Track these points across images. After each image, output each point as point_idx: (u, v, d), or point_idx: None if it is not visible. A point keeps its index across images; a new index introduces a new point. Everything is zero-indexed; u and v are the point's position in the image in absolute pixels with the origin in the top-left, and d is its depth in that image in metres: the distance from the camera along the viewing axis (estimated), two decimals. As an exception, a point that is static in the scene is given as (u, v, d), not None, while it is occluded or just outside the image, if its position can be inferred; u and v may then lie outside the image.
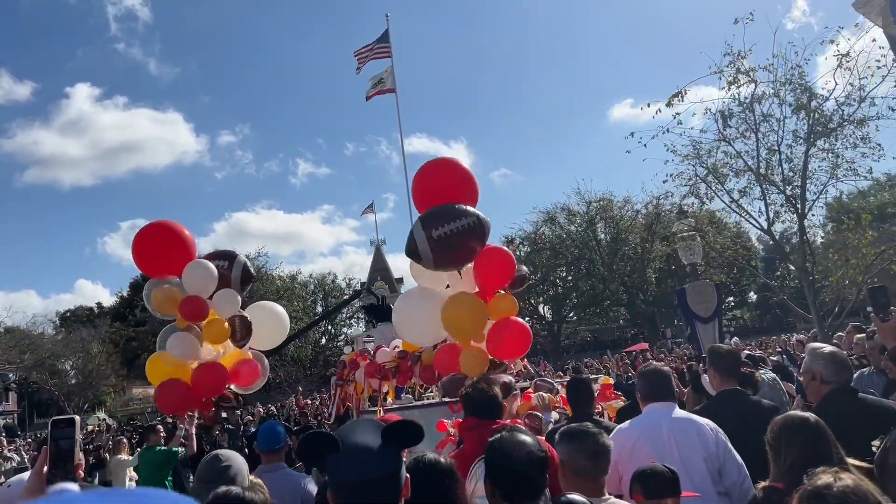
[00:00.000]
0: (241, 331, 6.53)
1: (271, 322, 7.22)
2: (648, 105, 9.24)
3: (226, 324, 6.56)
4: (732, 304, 70.01)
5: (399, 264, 69.44)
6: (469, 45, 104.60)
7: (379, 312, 14.61)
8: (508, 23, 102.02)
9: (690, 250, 11.96)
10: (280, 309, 7.61)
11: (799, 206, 8.91)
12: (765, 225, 9.29)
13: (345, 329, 44.53)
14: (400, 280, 58.65)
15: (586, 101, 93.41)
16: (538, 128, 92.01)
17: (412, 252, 5.66)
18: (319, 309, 50.57)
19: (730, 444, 3.69)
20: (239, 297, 6.64)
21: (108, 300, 63.04)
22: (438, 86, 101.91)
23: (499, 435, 2.78)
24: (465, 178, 6.00)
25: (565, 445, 2.97)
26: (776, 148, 8.88)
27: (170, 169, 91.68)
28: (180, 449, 7.68)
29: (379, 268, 68.05)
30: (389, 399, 9.38)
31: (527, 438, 2.68)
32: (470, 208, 5.68)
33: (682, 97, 8.99)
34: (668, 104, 9.10)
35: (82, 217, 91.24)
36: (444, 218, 5.55)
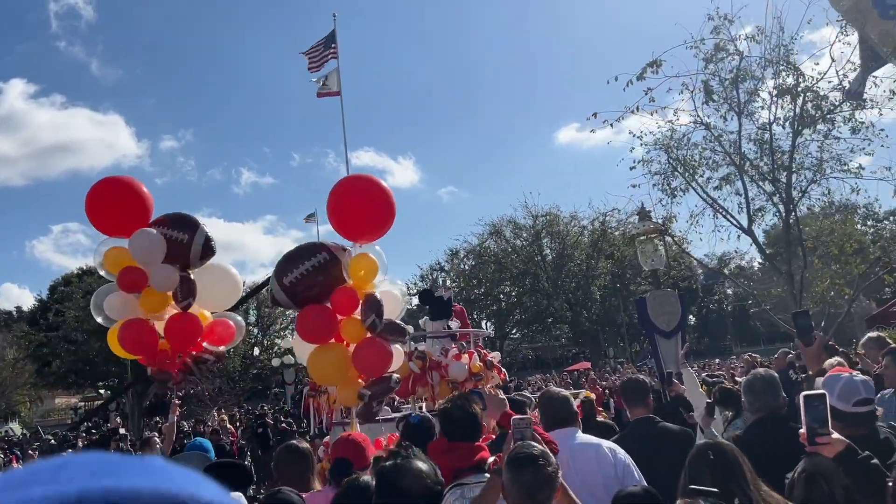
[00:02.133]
0: (182, 291, 6.14)
1: (220, 282, 6.67)
2: (616, 78, 7.83)
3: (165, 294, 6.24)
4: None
5: (339, 275, 67.46)
6: (419, 62, 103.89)
7: None
8: (459, 43, 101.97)
9: (653, 255, 10.61)
10: (230, 267, 7.03)
11: (785, 197, 7.62)
12: (745, 223, 7.97)
13: (278, 340, 42.04)
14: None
15: (533, 123, 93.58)
16: (486, 147, 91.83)
17: (274, 302, 5.74)
18: (252, 317, 48.14)
19: (631, 466, 3.78)
20: (177, 276, 6.19)
21: (30, 304, 59.06)
22: (388, 101, 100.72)
23: (391, 462, 2.66)
24: (379, 195, 5.79)
25: (505, 473, 2.84)
26: (765, 130, 7.62)
27: (107, 172, 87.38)
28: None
29: (319, 279, 66.28)
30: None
31: (423, 466, 2.59)
32: (323, 244, 5.64)
33: (658, 68, 7.63)
34: (640, 77, 7.72)
35: (12, 218, 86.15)
36: (292, 262, 5.48)
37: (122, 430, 16.48)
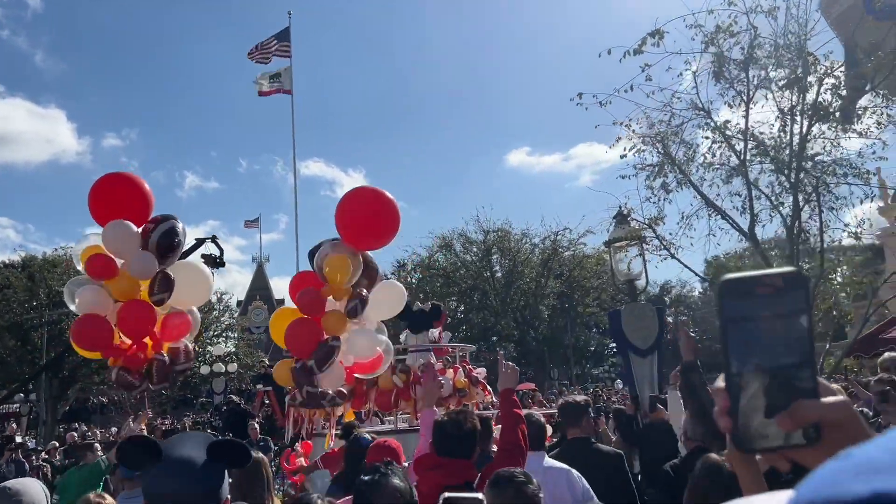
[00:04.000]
0: (160, 285, 5.98)
1: (193, 280, 6.51)
2: (609, 52, 6.73)
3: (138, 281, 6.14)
4: (614, 349, 70.65)
5: (282, 286, 65.63)
6: (373, 77, 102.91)
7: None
8: (413, 60, 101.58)
9: (630, 264, 9.55)
10: (201, 265, 7.03)
11: (793, 199, 6.63)
12: (745, 225, 6.97)
13: (209, 347, 39.74)
14: (281, 301, 54.78)
15: (485, 144, 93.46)
16: (437, 166, 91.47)
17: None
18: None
19: (591, 492, 4.00)
20: (156, 266, 6.08)
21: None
22: (340, 113, 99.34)
23: (370, 477, 2.71)
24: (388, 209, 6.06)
25: (487, 492, 2.81)
26: (781, 119, 6.64)
27: (45, 167, 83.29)
28: (103, 460, 7.55)
29: (259, 287, 63.67)
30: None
31: (399, 484, 2.60)
32: None
33: (660, 40, 6.56)
34: (639, 50, 6.64)
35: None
36: None
37: (18, 438, 14.53)
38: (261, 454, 4.54)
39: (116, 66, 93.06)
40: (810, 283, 0.86)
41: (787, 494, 0.56)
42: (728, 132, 6.92)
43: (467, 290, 41.47)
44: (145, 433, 15.83)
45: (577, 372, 47.88)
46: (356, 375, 7.82)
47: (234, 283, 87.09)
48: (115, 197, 6.25)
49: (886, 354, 6.84)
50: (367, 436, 5.15)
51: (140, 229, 6.15)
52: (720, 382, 0.74)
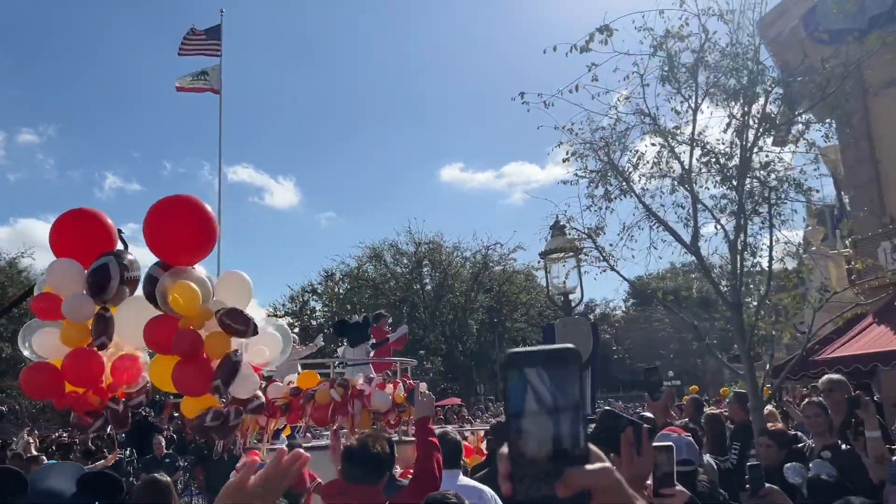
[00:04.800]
0: (96, 330, 5.65)
1: (144, 318, 5.89)
2: (555, 48, 6.33)
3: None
4: (540, 365, 71.07)
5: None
6: (307, 84, 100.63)
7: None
8: (349, 70, 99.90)
9: (566, 277, 9.14)
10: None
11: (737, 213, 6.36)
12: (688, 238, 6.65)
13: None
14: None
15: (418, 159, 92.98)
16: (369, 177, 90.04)
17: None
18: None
19: None
20: (92, 307, 5.74)
21: None
22: (271, 119, 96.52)
23: None
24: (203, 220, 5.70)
25: None
26: (730, 127, 6.36)
27: (-51, 161, 77.72)
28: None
29: (179, 292, 61.44)
30: (283, 436, 9.08)
31: None
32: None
33: (609, 37, 6.20)
34: (585, 49, 6.26)
35: None
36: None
37: None
38: (165, 477, 4.41)
39: (34, 59, 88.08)
40: (581, 359, 0.96)
41: None
42: (677, 139, 6.61)
43: (396, 302, 40.80)
44: (34, 447, 14.44)
45: (499, 379, 47.89)
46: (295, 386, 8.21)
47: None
48: (73, 236, 5.93)
49: (825, 377, 6.63)
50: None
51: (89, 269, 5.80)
52: (504, 448, 0.79)
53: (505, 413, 0.80)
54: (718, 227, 6.76)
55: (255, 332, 5.52)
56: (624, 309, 75.32)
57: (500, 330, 43.78)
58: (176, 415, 17.88)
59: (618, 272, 7.12)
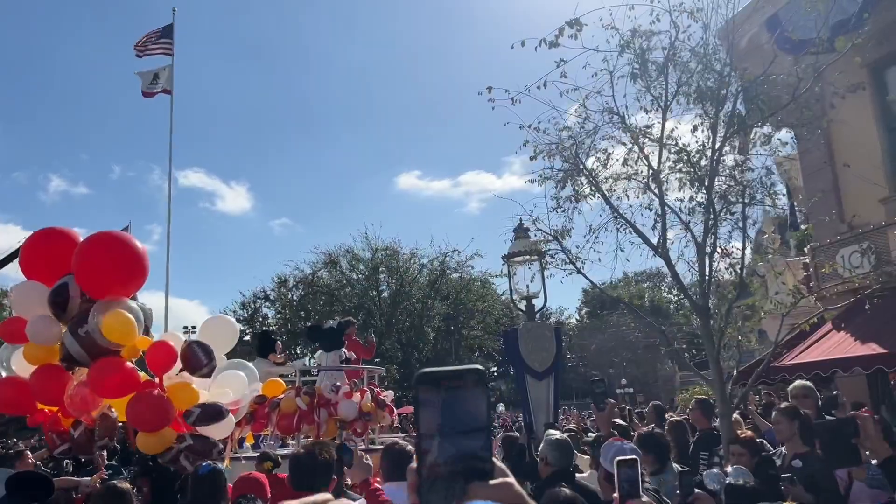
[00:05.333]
0: (62, 352, 5.57)
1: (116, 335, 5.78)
2: (523, 43, 6.10)
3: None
4: (496, 374, 71.12)
5: (152, 300, 61.50)
6: (261, 88, 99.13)
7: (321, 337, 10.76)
8: (304, 75, 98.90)
9: (529, 280, 8.94)
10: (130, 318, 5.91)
11: (705, 218, 6.20)
12: (656, 240, 6.47)
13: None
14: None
15: (374, 166, 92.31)
16: (325, 184, 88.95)
17: (67, 358, 5.64)
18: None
19: None
20: (58, 329, 5.62)
21: None
22: (224, 122, 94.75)
23: None
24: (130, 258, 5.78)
25: None
26: (701, 127, 6.21)
27: None
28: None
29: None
30: (247, 444, 9.09)
31: None
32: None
33: (578, 31, 5.99)
34: (553, 44, 6.04)
35: None
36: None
37: None
38: (125, 484, 4.44)
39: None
40: (488, 380, 0.87)
41: None
42: (648, 136, 6.43)
43: (352, 309, 40.14)
44: (-34, 460, 13.59)
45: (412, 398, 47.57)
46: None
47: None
48: (43, 256, 5.91)
49: (797, 382, 6.52)
50: (210, 463, 5.04)
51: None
52: (413, 463, 0.82)
53: (414, 430, 0.83)
54: (685, 230, 6.59)
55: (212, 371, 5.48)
56: (578, 317, 75.84)
57: (456, 337, 43.53)
58: (120, 424, 17.12)
59: (584, 275, 6.91)
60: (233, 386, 6.24)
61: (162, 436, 5.68)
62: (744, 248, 6.62)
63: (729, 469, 5.13)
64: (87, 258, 5.58)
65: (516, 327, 8.80)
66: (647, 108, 6.46)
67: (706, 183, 6.22)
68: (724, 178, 6.48)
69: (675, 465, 6.37)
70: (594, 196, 6.75)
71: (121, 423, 17.51)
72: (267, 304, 45.05)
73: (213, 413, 5.63)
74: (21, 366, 6.02)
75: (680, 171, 6.42)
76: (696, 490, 4.17)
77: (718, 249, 6.58)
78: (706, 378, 6.64)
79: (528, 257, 8.77)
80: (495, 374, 70.99)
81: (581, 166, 6.78)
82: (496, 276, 46.06)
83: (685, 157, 6.35)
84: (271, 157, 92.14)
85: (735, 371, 6.61)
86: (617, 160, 6.70)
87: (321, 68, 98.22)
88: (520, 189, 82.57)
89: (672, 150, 6.50)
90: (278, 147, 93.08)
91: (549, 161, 6.78)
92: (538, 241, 7.24)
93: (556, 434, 5.02)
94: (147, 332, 6.11)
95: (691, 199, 6.73)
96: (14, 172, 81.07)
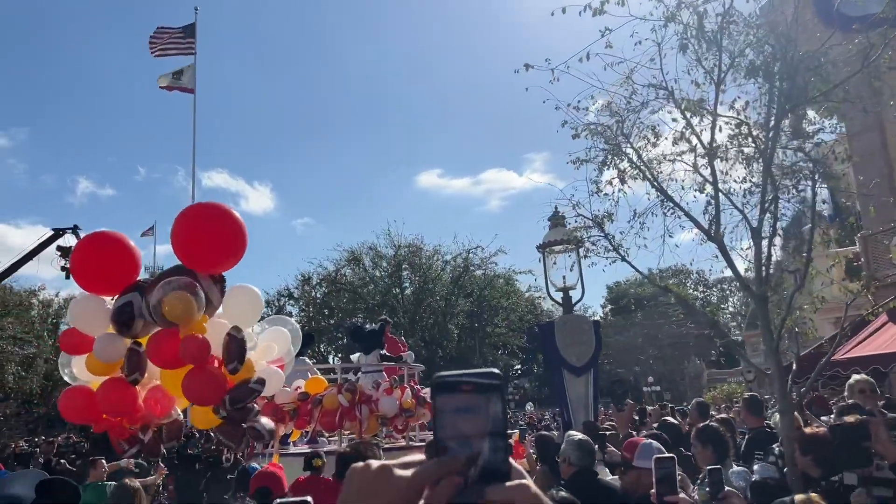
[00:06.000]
0: (129, 365, 5.53)
1: None
2: (564, 10, 5.66)
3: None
4: (519, 371, 70.51)
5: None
6: (282, 88, 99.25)
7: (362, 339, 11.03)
8: (325, 76, 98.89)
9: (565, 271, 8.50)
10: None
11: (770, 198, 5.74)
12: (706, 223, 6.01)
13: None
14: (175, 314, 51.40)
15: (395, 165, 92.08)
16: (346, 184, 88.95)
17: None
18: (63, 328, 41.88)
19: None
20: (123, 346, 5.63)
21: None
22: (247, 124, 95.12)
23: None
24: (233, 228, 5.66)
25: None
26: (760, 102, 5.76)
27: (-84, 164, 75.38)
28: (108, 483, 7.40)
29: (152, 298, 59.80)
30: (291, 441, 9.35)
31: None
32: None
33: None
34: (599, 11, 5.60)
35: None
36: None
37: None
38: (135, 482, 4.51)
39: (5, 59, 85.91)
40: (506, 384, 0.92)
41: None
42: (705, 110, 5.95)
43: (375, 306, 39.92)
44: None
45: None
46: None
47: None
48: (95, 262, 5.88)
49: (858, 377, 6.05)
50: (256, 465, 5.49)
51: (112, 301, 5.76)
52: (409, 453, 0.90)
53: (433, 433, 0.85)
54: (736, 212, 6.11)
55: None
56: (602, 315, 75.09)
57: (480, 335, 43.15)
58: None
59: (629, 262, 6.44)
60: (277, 341, 6.31)
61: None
62: (813, 227, 6.11)
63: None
64: (191, 233, 5.60)
65: (553, 321, 8.37)
66: (698, 81, 6.02)
67: (765, 159, 5.74)
68: (787, 151, 5.98)
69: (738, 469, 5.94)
70: (640, 178, 6.29)
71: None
72: (291, 301, 45.04)
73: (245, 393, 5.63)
74: (84, 372, 6.06)
75: (739, 144, 5.93)
76: (727, 488, 4.11)
77: (779, 231, 6.08)
78: (765, 372, 6.18)
79: (564, 246, 8.32)
80: (519, 371, 70.46)
81: (628, 144, 6.31)
82: (520, 272, 45.76)
83: (746, 130, 5.85)
84: (293, 157, 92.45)
85: (794, 365, 6.15)
86: (666, 138, 6.23)
87: (341, 67, 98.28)
88: (542, 186, 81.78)
89: (730, 125, 6.01)
90: (300, 147, 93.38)
91: (592, 140, 6.32)
92: (577, 228, 6.78)
93: (577, 434, 5.09)
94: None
95: (745, 179, 6.24)
96: (43, 175, 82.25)
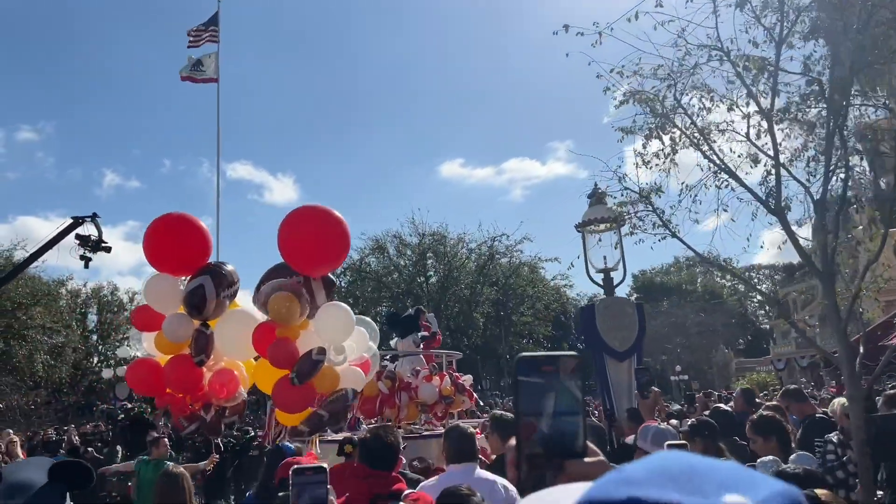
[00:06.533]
0: (196, 347, 5.75)
1: (240, 329, 5.93)
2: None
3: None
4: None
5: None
6: (305, 79, 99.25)
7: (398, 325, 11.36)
8: (347, 66, 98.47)
9: (607, 251, 8.08)
10: (255, 312, 6.14)
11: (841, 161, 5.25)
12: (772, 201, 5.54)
13: (119, 349, 36.60)
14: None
15: (417, 155, 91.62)
16: (368, 174, 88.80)
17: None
18: (92, 321, 42.40)
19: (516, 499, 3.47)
20: (191, 328, 5.86)
21: None
22: (270, 116, 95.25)
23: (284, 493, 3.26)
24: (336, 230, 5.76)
25: None
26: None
27: (-54, 157, 76.67)
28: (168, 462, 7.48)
29: (179, 288, 60.55)
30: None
31: None
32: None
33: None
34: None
35: None
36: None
37: None
38: (179, 468, 4.60)
39: (33, 54, 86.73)
40: (585, 364, 0.91)
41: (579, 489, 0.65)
42: (767, 69, 5.47)
43: (400, 295, 39.68)
44: (18, 445, 13.42)
45: (511, 381, 46.97)
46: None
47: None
48: (167, 243, 6.04)
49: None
50: (291, 445, 5.14)
51: (184, 282, 6.00)
52: (512, 441, 0.89)
53: (515, 410, 0.89)
54: (792, 185, 5.64)
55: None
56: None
57: (506, 324, 42.73)
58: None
59: (679, 238, 6.00)
60: (357, 340, 6.38)
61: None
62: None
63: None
64: (298, 237, 5.70)
65: (594, 304, 7.95)
66: (756, 41, 5.53)
67: (836, 120, 5.26)
68: (864, 109, 5.50)
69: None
70: (692, 147, 5.83)
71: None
72: (314, 291, 44.96)
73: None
74: (153, 346, 6.29)
75: (804, 104, 5.45)
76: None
77: (854, 201, 5.60)
78: (831, 356, 5.72)
79: (606, 225, 7.89)
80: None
81: (681, 109, 5.85)
82: (546, 260, 45.21)
83: (817, 87, 5.36)
84: (316, 148, 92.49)
85: (861, 348, 5.66)
86: (719, 105, 5.76)
87: (363, 58, 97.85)
88: (565, 175, 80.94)
89: (788, 89, 5.53)
90: (322, 138, 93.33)
91: (641, 107, 5.87)
92: (623, 203, 6.34)
93: (589, 420, 5.13)
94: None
95: (805, 146, 5.76)
96: (70, 168, 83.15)
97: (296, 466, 2.22)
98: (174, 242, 5.96)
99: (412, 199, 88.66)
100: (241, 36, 79.90)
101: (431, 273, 42.32)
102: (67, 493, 1.94)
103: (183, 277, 6.08)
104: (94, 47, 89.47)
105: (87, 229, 11.86)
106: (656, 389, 6.32)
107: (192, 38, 27.86)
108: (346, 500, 3.49)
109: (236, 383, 6.29)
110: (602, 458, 0.87)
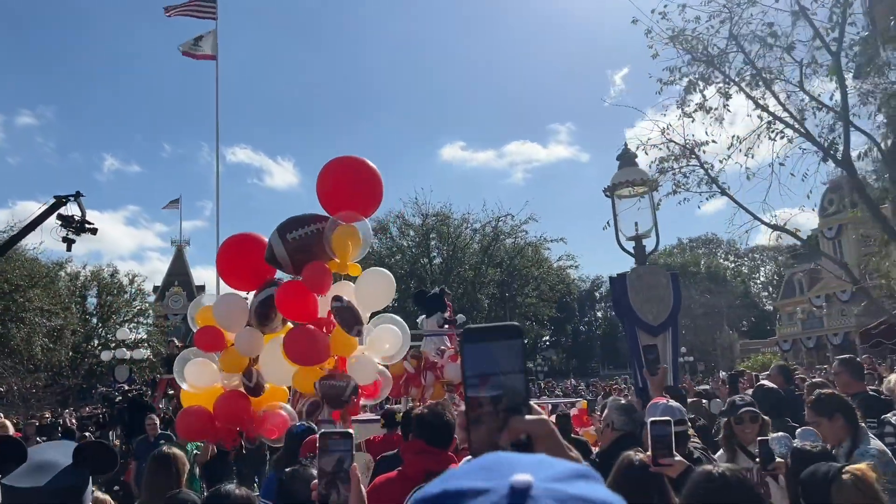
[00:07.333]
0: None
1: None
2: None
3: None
4: (548, 343, 69.58)
5: (204, 274, 61.93)
6: (304, 63, 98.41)
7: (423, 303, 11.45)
8: (346, 50, 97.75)
9: (640, 217, 7.45)
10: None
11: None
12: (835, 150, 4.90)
13: (119, 332, 36.06)
14: (202, 288, 50.96)
15: (417, 138, 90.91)
16: (369, 156, 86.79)
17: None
18: (92, 303, 41.87)
19: None
20: (261, 342, 6.32)
21: None
22: (269, 100, 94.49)
23: (292, 468, 3.32)
24: (369, 177, 6.24)
25: None
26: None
27: (-57, 142, 76.03)
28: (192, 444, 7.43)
29: (179, 272, 59.53)
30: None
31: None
32: (321, 216, 6.24)
33: None
34: None
35: None
36: (298, 224, 6.08)
37: None
38: (174, 449, 4.58)
39: (32, 39, 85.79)
40: (524, 335, 1.00)
41: None
42: (836, 8, 4.85)
43: (404, 276, 39.10)
44: (11, 430, 12.91)
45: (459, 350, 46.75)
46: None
47: (153, 270, 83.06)
48: (242, 262, 6.43)
49: None
50: (304, 423, 5.18)
51: (250, 297, 6.38)
52: (462, 406, 1.00)
53: (462, 376, 0.99)
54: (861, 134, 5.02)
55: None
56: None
57: (511, 305, 42.20)
58: (171, 392, 16.28)
59: (730, 195, 5.40)
60: (389, 340, 6.49)
61: (314, 371, 6.02)
62: None
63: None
64: (333, 179, 6.16)
65: (625, 273, 7.34)
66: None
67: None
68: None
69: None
70: (746, 92, 5.20)
71: (171, 391, 16.60)
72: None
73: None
74: (193, 377, 6.63)
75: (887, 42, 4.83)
76: (778, 458, 3.99)
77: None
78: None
79: (638, 189, 7.26)
80: (547, 343, 69.51)
81: (738, 50, 5.20)
82: (552, 240, 44.60)
83: (892, 22, 4.75)
84: (315, 131, 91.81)
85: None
86: (779, 46, 5.12)
87: (364, 41, 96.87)
88: (566, 158, 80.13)
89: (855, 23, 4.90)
90: (323, 122, 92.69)
91: (688, 51, 5.23)
92: (666, 158, 5.72)
93: (621, 399, 5.18)
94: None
95: (870, 93, 5.14)
96: (71, 153, 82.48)
97: (323, 430, 2.20)
98: (248, 261, 6.38)
99: (413, 182, 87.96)
100: (240, 16, 78.88)
101: (435, 254, 41.73)
102: (90, 477, 1.96)
103: (245, 294, 6.58)
104: (93, 32, 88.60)
105: (70, 209, 11.23)
106: (664, 366, 6.24)
107: (179, 8, 27.02)
108: (400, 475, 3.47)
109: (287, 425, 6.32)
110: (544, 417, 0.98)
